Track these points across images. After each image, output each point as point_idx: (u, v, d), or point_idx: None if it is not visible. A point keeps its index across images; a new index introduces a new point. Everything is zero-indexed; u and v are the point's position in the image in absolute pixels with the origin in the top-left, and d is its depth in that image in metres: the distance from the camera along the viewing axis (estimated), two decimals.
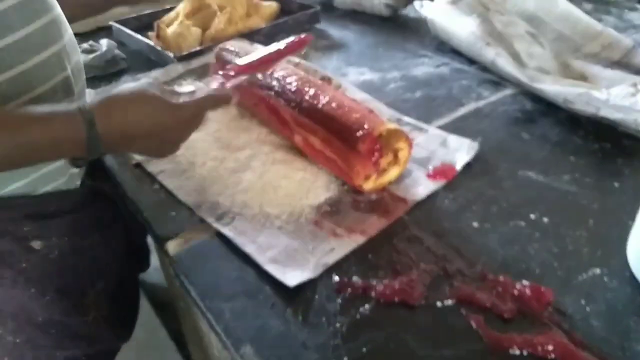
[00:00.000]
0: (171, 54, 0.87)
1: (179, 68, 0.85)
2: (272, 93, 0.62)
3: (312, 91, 0.59)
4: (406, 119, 0.68)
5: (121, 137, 0.47)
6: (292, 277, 0.45)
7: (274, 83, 0.63)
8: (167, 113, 0.48)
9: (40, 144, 0.44)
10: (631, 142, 0.62)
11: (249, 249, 0.49)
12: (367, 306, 0.43)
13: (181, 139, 0.52)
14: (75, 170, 0.62)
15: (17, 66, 0.50)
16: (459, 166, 0.58)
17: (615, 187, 0.56)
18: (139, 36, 0.94)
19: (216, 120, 0.69)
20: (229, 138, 0.66)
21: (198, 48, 0.89)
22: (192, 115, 0.51)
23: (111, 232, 0.69)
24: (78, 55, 0.61)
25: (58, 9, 0.56)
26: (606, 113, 0.62)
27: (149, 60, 0.91)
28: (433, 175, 0.57)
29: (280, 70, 0.64)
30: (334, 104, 0.57)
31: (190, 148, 0.63)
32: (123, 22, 1.02)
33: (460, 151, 0.60)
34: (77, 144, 0.45)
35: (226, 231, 0.51)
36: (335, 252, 0.48)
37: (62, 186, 0.61)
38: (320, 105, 0.57)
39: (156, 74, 0.84)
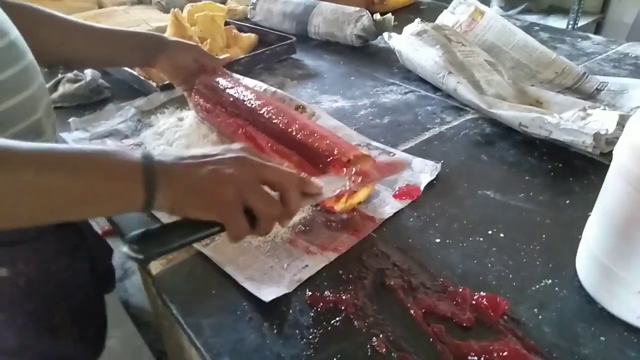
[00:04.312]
0: (154, 83, 0.90)
1: (161, 97, 0.89)
2: (249, 122, 0.66)
3: (285, 120, 0.63)
4: (375, 143, 0.73)
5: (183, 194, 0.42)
6: (267, 293, 0.48)
7: (251, 112, 0.67)
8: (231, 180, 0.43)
9: (92, 192, 0.39)
10: (581, 162, 0.67)
11: (228, 268, 0.52)
12: (337, 318, 0.46)
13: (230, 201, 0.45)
14: None
15: None
16: (422, 186, 0.63)
17: (566, 203, 0.60)
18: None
19: (196, 147, 0.73)
20: None
21: None
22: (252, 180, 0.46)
23: (77, 255, 0.69)
24: (48, 98, 0.62)
25: (31, 56, 0.58)
26: (557, 136, 0.68)
27: (132, 89, 0.95)
28: (399, 196, 0.61)
29: (256, 100, 0.69)
30: (306, 132, 0.61)
31: None
32: None
33: (424, 172, 0.65)
34: (127, 200, 0.41)
35: (207, 251, 0.54)
36: (309, 268, 0.52)
37: None
38: (293, 133, 0.61)
39: (139, 102, 0.88)
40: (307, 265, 0.52)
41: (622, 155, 0.42)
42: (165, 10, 1.33)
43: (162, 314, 0.73)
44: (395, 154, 0.70)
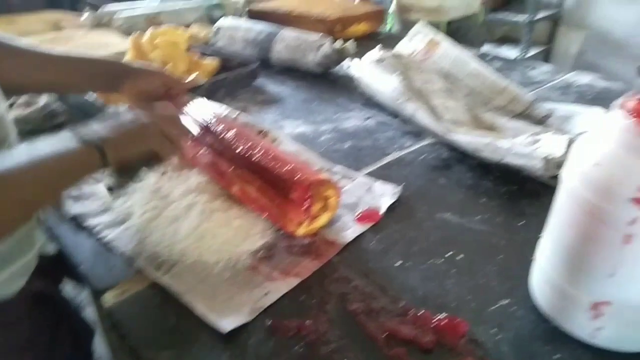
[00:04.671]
0: (112, 106, 0.88)
1: None
2: (211, 147, 0.66)
3: (247, 145, 0.63)
4: (336, 168, 0.74)
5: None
6: (227, 323, 0.47)
7: (212, 138, 0.67)
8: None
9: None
10: (534, 185, 0.70)
11: (186, 297, 0.51)
12: (300, 345, 0.46)
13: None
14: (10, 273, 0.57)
15: None
16: (383, 210, 0.64)
17: (521, 225, 0.63)
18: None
19: (155, 172, 0.71)
20: (168, 188, 0.68)
21: None
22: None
23: (56, 335, 0.64)
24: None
25: None
26: (510, 160, 0.70)
27: (88, 114, 0.92)
28: (360, 219, 0.62)
29: (218, 125, 0.68)
30: (268, 157, 0.61)
31: (128, 199, 0.64)
32: None
33: (385, 196, 0.66)
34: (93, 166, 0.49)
35: (165, 280, 0.53)
36: (270, 295, 0.51)
37: None
38: (255, 158, 0.61)
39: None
40: (268, 292, 0.51)
41: (569, 178, 0.44)
42: (126, 34, 1.32)
43: (119, 348, 0.70)
44: (356, 178, 0.71)
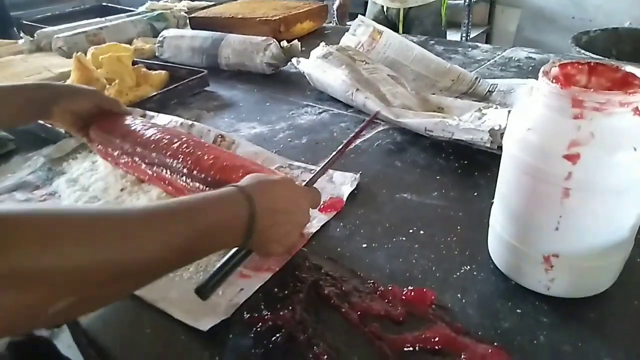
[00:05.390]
0: (62, 130, 0.86)
1: (72, 142, 0.86)
2: (156, 164, 0.65)
3: (195, 155, 0.62)
4: (296, 163, 0.75)
5: (270, 216, 0.48)
6: (204, 323, 0.48)
7: (157, 153, 0.65)
8: (301, 193, 0.53)
9: (216, 227, 0.44)
10: (483, 157, 0.74)
11: (162, 304, 0.51)
12: (277, 335, 0.47)
13: (305, 221, 0.55)
14: None
15: None
16: (345, 197, 0.66)
17: (474, 196, 0.66)
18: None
19: (114, 189, 0.71)
20: (130, 200, 0.68)
21: None
22: (314, 200, 0.57)
23: None
24: None
25: None
26: (459, 136, 0.74)
27: (39, 138, 0.90)
28: (324, 209, 0.64)
29: (162, 140, 0.66)
30: (218, 165, 0.60)
31: None
32: None
33: (345, 184, 0.68)
34: (238, 226, 0.45)
35: (137, 290, 0.53)
36: (245, 291, 0.52)
37: None
38: (204, 169, 0.60)
39: (48, 151, 0.84)
40: (242, 289, 0.53)
41: (509, 144, 0.47)
42: (68, 55, 1.29)
43: None
44: (315, 169, 0.72)
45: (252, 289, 0.52)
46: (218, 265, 0.48)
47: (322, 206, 0.65)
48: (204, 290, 0.46)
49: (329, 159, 0.61)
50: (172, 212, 0.41)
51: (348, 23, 1.60)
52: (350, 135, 0.58)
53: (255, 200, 0.46)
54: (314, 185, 0.59)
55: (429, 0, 1.80)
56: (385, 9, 1.88)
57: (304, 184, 0.58)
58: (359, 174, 0.70)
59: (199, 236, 0.42)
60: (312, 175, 0.59)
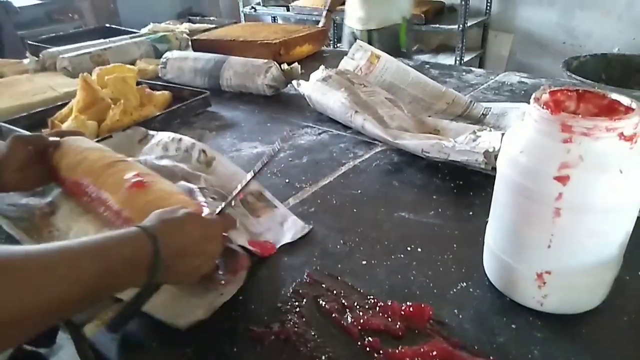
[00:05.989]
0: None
1: None
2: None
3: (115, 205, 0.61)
4: (267, 194, 0.72)
5: (177, 253, 0.48)
6: (185, 321, 0.51)
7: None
8: (210, 225, 0.53)
9: (116, 269, 0.43)
10: (478, 177, 0.77)
11: (149, 310, 0.52)
12: (282, 349, 0.49)
13: (218, 251, 0.54)
14: None
15: None
16: (279, 245, 0.64)
17: (470, 215, 0.68)
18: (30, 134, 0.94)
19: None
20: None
21: (95, 140, 0.92)
22: (228, 226, 0.57)
23: None
24: None
25: None
26: (454, 157, 0.77)
27: None
28: (252, 245, 0.61)
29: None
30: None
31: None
32: (13, 122, 1.01)
33: (290, 231, 0.66)
34: (143, 264, 0.45)
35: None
36: (224, 295, 0.54)
37: None
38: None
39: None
40: (222, 294, 0.54)
41: (502, 166, 0.50)
42: (72, 75, 1.31)
43: None
44: (278, 207, 0.70)
45: (232, 292, 0.55)
46: (128, 301, 0.50)
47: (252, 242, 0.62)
48: (114, 325, 0.50)
49: (239, 188, 0.58)
50: (74, 254, 0.42)
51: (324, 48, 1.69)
52: (260, 167, 0.56)
53: (158, 239, 0.46)
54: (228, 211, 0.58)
55: (385, 25, 1.93)
56: (354, 31, 2.02)
57: (215, 212, 0.57)
58: (310, 226, 0.67)
59: (103, 273, 0.42)
60: (223, 204, 0.57)
